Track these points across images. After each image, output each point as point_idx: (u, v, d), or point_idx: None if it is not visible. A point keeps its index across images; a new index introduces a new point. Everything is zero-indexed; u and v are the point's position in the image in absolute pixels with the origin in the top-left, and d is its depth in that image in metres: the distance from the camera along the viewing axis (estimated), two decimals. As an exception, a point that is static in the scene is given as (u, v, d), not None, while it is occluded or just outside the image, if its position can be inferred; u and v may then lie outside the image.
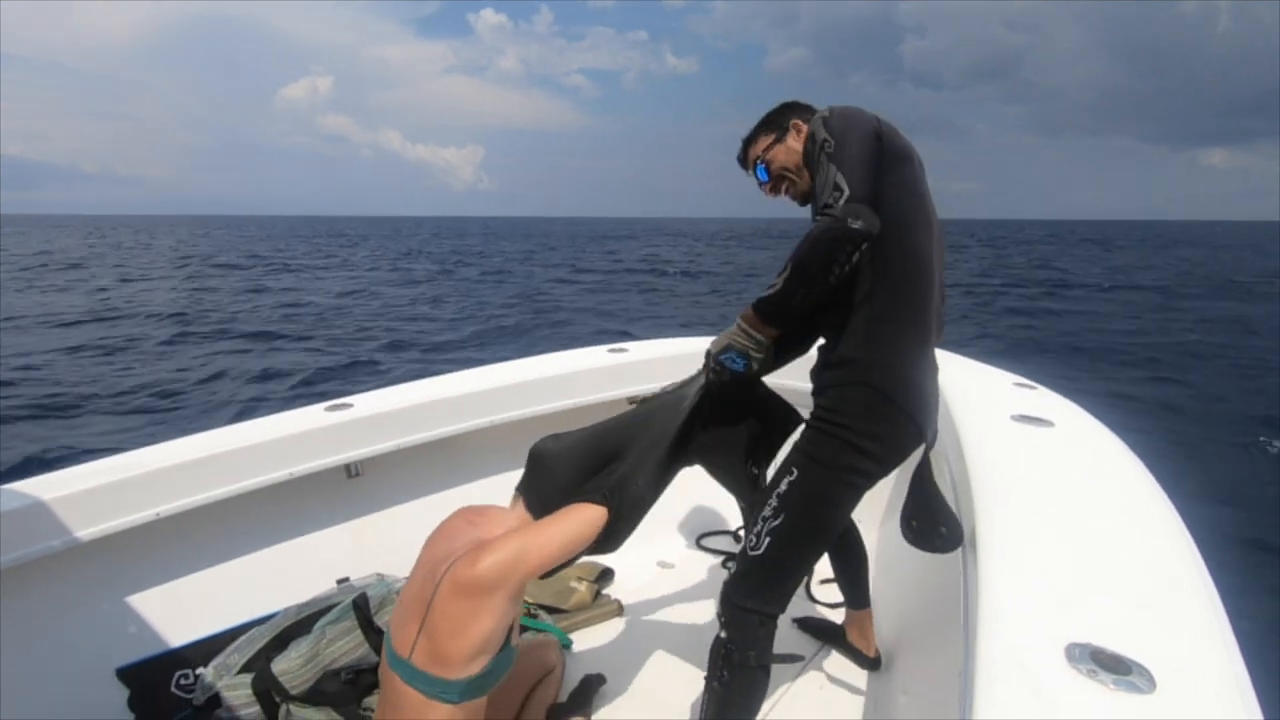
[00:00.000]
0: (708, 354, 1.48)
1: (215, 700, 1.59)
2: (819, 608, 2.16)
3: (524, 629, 1.83)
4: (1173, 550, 1.13)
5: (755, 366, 1.41)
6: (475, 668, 1.16)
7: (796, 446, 1.41)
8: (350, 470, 2.16)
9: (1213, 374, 9.54)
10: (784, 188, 1.58)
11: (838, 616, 2.10)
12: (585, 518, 1.30)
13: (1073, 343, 11.98)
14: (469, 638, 1.15)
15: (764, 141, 1.57)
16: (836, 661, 1.95)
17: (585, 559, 2.42)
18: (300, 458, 1.95)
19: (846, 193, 1.22)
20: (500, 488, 2.47)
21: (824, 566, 2.14)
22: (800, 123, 1.52)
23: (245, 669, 1.64)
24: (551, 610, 2.12)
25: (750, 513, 1.45)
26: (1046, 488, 1.36)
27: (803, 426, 1.45)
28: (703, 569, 2.49)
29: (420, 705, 1.14)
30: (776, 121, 1.57)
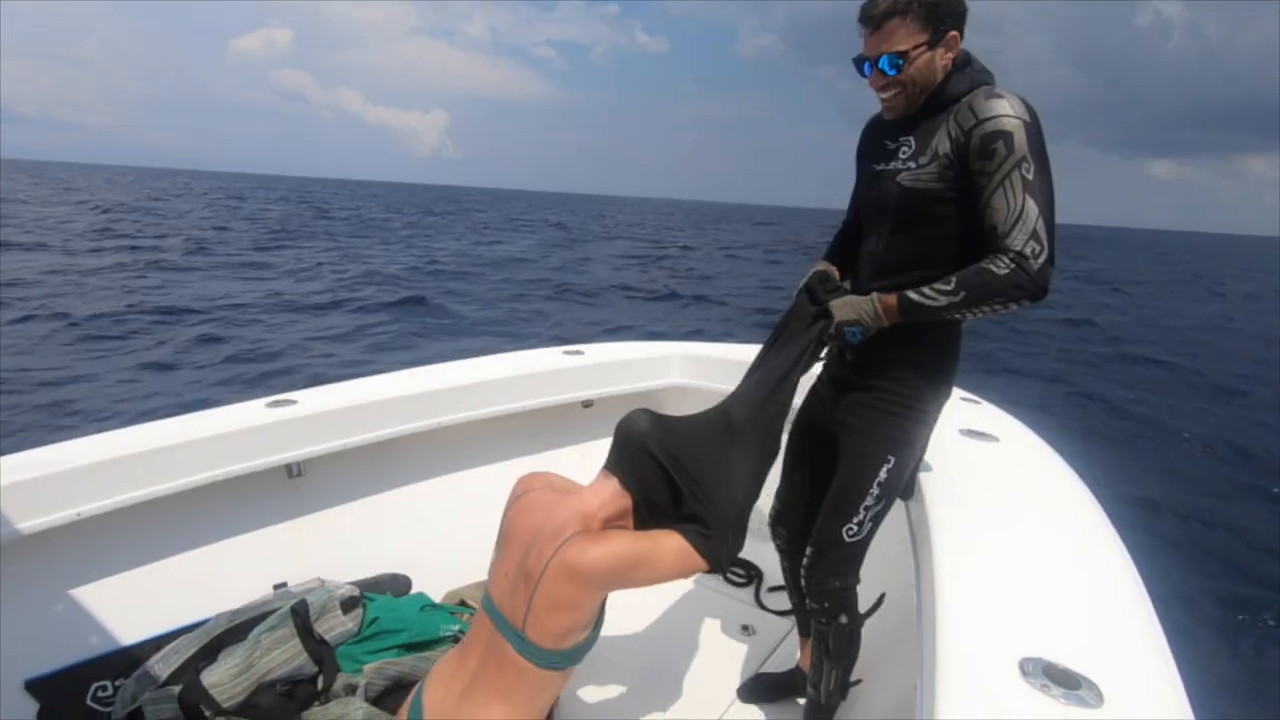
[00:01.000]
0: (828, 314, 1.40)
1: (137, 715, 1.49)
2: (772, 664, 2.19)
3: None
4: (1111, 564, 1.18)
5: (871, 335, 1.39)
6: (577, 637, 1.25)
7: (884, 435, 1.43)
8: (292, 470, 2.07)
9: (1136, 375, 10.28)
10: (893, 92, 1.35)
11: (783, 625, 2.14)
12: (691, 564, 1.31)
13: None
14: (573, 617, 1.22)
15: (916, 35, 1.28)
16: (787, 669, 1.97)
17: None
18: (238, 456, 1.85)
19: (1046, 251, 1.21)
20: (450, 489, 2.42)
21: (774, 573, 2.17)
22: (957, 35, 1.31)
23: (171, 680, 1.54)
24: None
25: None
26: (995, 503, 1.41)
27: (874, 411, 1.46)
28: None
29: (528, 670, 1.22)
30: (937, 14, 1.28)
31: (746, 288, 17.62)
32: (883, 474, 1.42)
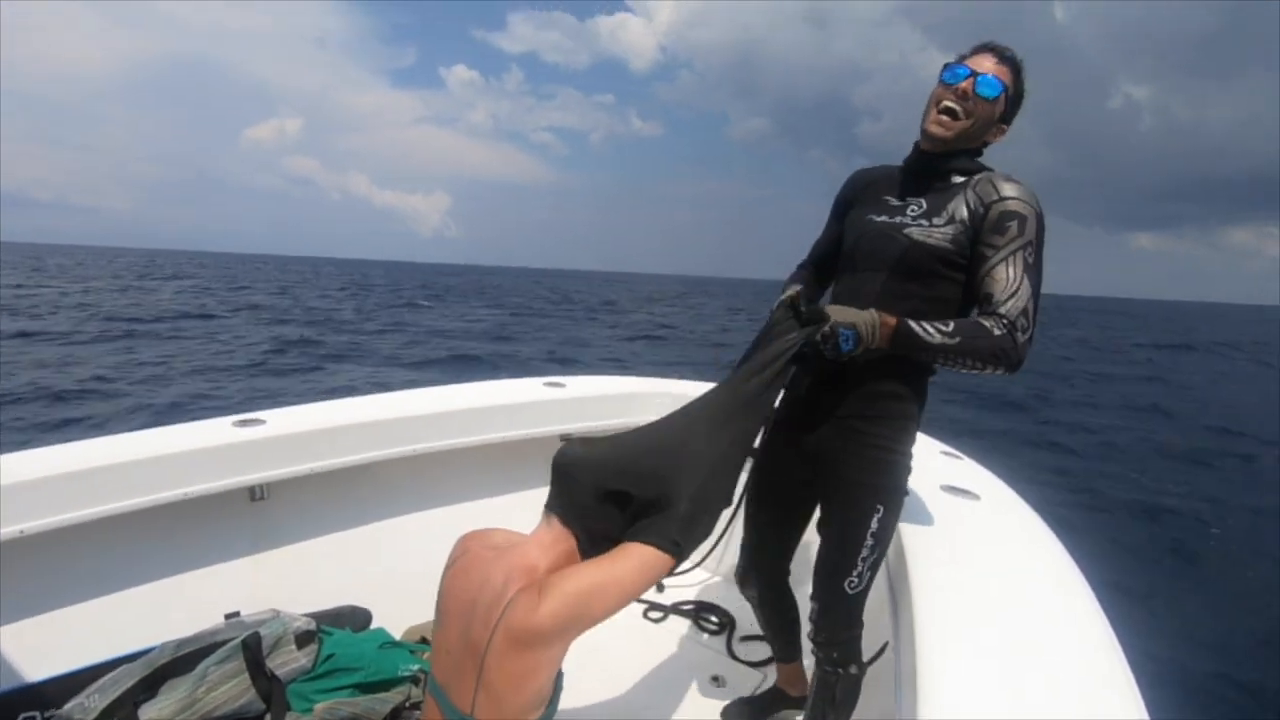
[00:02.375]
0: (823, 316, 1.37)
1: (65, 750, 1.39)
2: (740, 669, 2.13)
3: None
4: (1092, 635, 1.16)
5: (858, 353, 1.36)
6: (536, 712, 1.10)
7: (870, 484, 1.46)
8: (255, 493, 1.99)
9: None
10: (960, 116, 1.39)
11: (754, 676, 2.08)
12: (648, 563, 1.15)
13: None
14: (532, 690, 1.07)
15: (1009, 82, 1.40)
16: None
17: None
18: (199, 476, 1.78)
19: (1030, 332, 1.32)
20: (418, 521, 2.35)
21: (747, 622, 2.12)
22: (1006, 127, 1.46)
23: (106, 715, 1.44)
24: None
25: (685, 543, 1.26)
26: (977, 567, 1.39)
27: (857, 459, 1.47)
28: None
29: None
30: (1014, 101, 1.44)
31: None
32: (874, 524, 1.45)
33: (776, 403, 1.45)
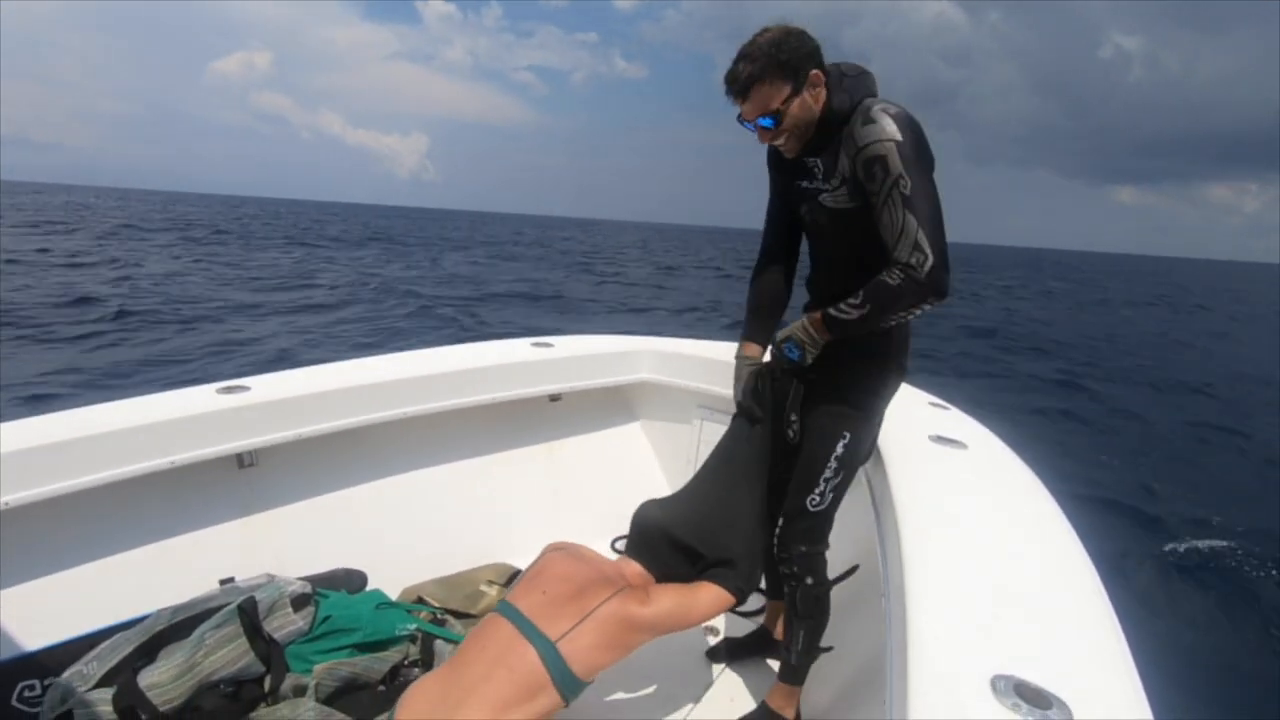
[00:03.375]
0: (774, 340, 1.61)
1: (67, 717, 1.40)
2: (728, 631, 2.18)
3: (432, 636, 1.72)
4: (1078, 578, 1.19)
5: (808, 359, 1.55)
6: (591, 677, 1.31)
7: (842, 411, 1.57)
8: (243, 460, 1.98)
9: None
10: (783, 139, 1.49)
11: (748, 628, 2.13)
12: (721, 602, 1.52)
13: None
14: (609, 657, 1.32)
15: (781, 89, 1.41)
16: (753, 670, 1.96)
17: (495, 561, 2.32)
18: (185, 444, 1.76)
19: (932, 258, 1.32)
20: (410, 483, 2.35)
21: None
22: (819, 73, 1.43)
23: (105, 681, 1.45)
24: (460, 615, 2.02)
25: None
26: (965, 514, 1.41)
27: (833, 390, 1.59)
28: None
29: (543, 685, 1.25)
30: (791, 65, 1.40)
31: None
32: (839, 449, 1.56)
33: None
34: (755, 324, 1.77)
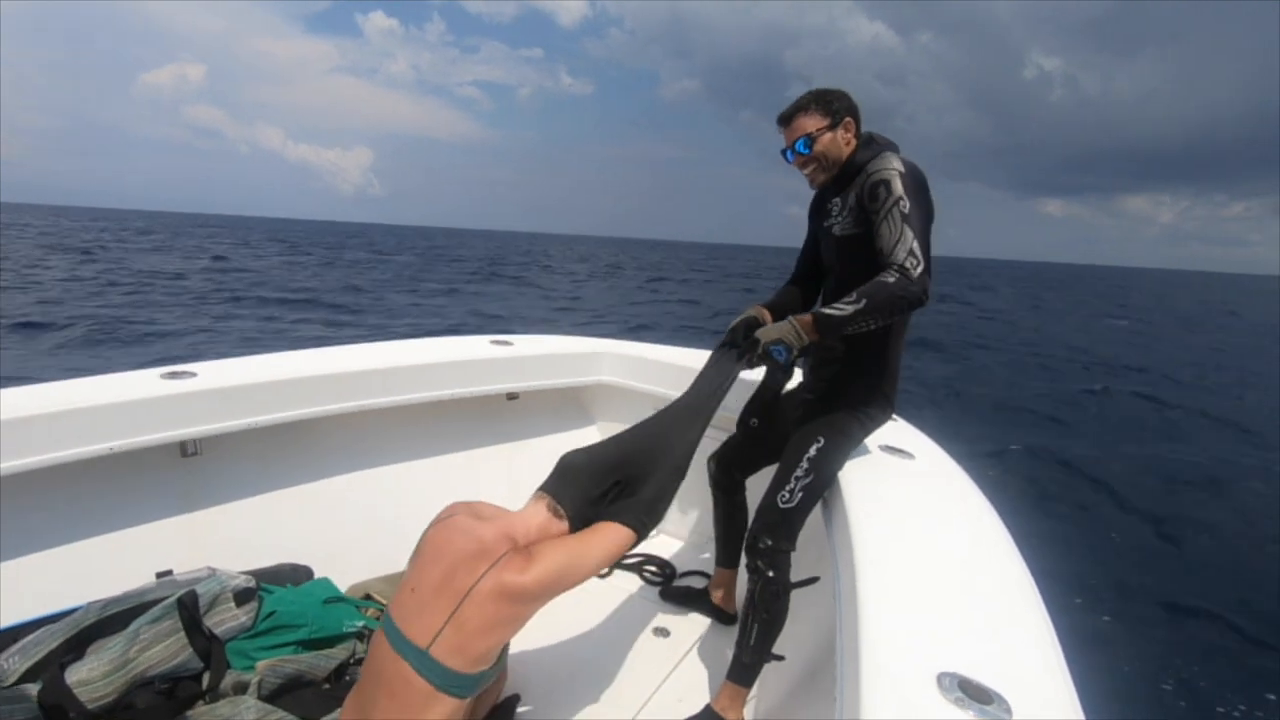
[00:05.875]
0: (756, 340, 1.68)
1: (-15, 715, 1.33)
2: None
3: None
4: (1015, 581, 1.25)
5: (794, 359, 1.66)
6: (484, 665, 1.22)
7: (823, 421, 1.73)
8: (186, 448, 1.90)
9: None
10: (811, 168, 1.74)
11: (697, 629, 2.15)
12: (619, 539, 1.41)
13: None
14: (498, 638, 1.21)
15: (818, 121, 1.70)
16: (701, 671, 1.98)
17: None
18: (125, 430, 1.68)
19: (922, 265, 1.50)
20: (361, 479, 2.30)
21: (683, 566, 2.18)
22: (852, 120, 1.71)
23: (27, 677, 1.38)
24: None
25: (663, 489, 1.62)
26: (912, 519, 1.47)
27: (816, 400, 1.81)
28: None
29: (427, 696, 1.16)
30: (831, 106, 1.70)
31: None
32: (812, 450, 1.67)
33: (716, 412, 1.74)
34: (771, 302, 1.96)
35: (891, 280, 1.49)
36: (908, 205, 1.53)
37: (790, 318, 1.63)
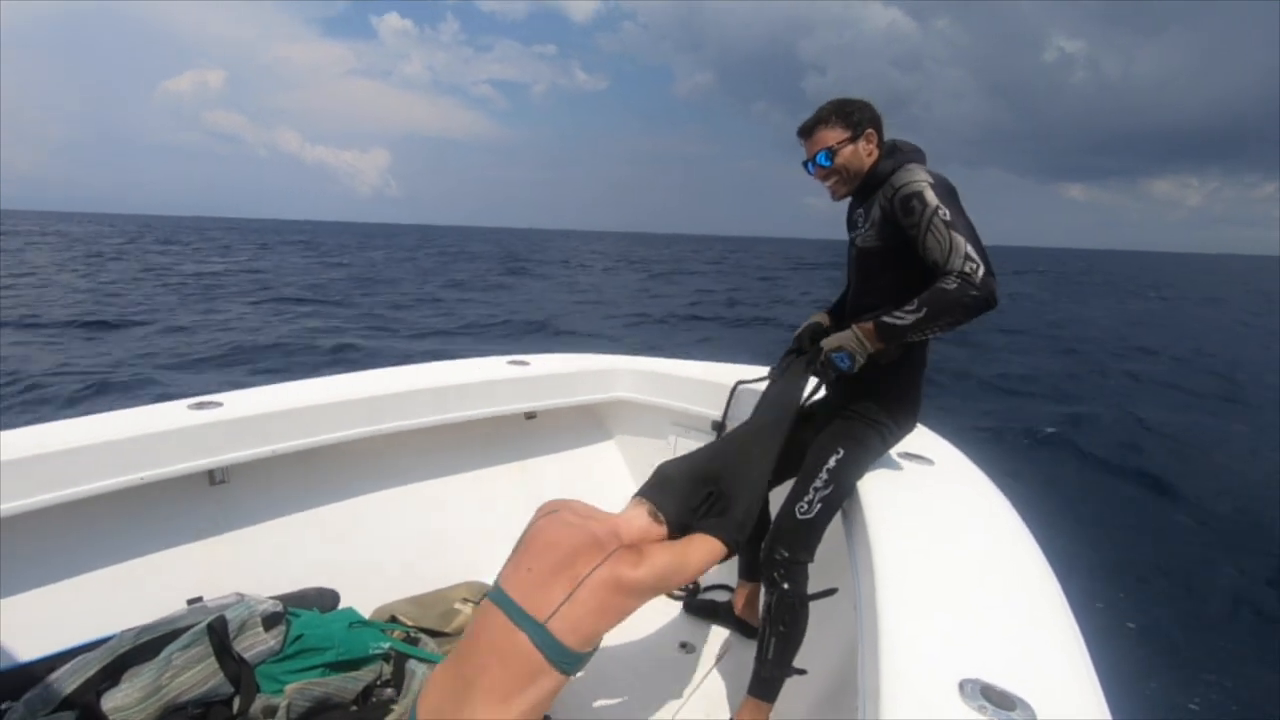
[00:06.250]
0: (819, 349, 1.69)
1: (25, 742, 1.36)
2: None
3: (405, 656, 1.70)
4: (1039, 586, 1.23)
5: (856, 366, 1.64)
6: (589, 648, 1.30)
7: (843, 432, 1.72)
8: (214, 477, 1.95)
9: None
10: (833, 180, 1.72)
11: (719, 642, 2.14)
12: (714, 551, 1.51)
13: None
14: (606, 623, 1.30)
15: (839, 134, 1.67)
16: (726, 686, 1.97)
17: (469, 579, 2.30)
18: (155, 460, 1.73)
19: (983, 267, 1.46)
20: (383, 501, 2.33)
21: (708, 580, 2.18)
22: (874, 131, 1.68)
23: (66, 704, 1.41)
24: (434, 634, 1.99)
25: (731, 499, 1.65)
26: (933, 525, 1.46)
27: (839, 412, 1.78)
28: None
29: (539, 668, 1.23)
30: (852, 118, 1.67)
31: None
32: (831, 462, 1.66)
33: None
34: (830, 308, 1.99)
35: (952, 287, 1.46)
36: (947, 213, 1.49)
37: (853, 325, 1.62)
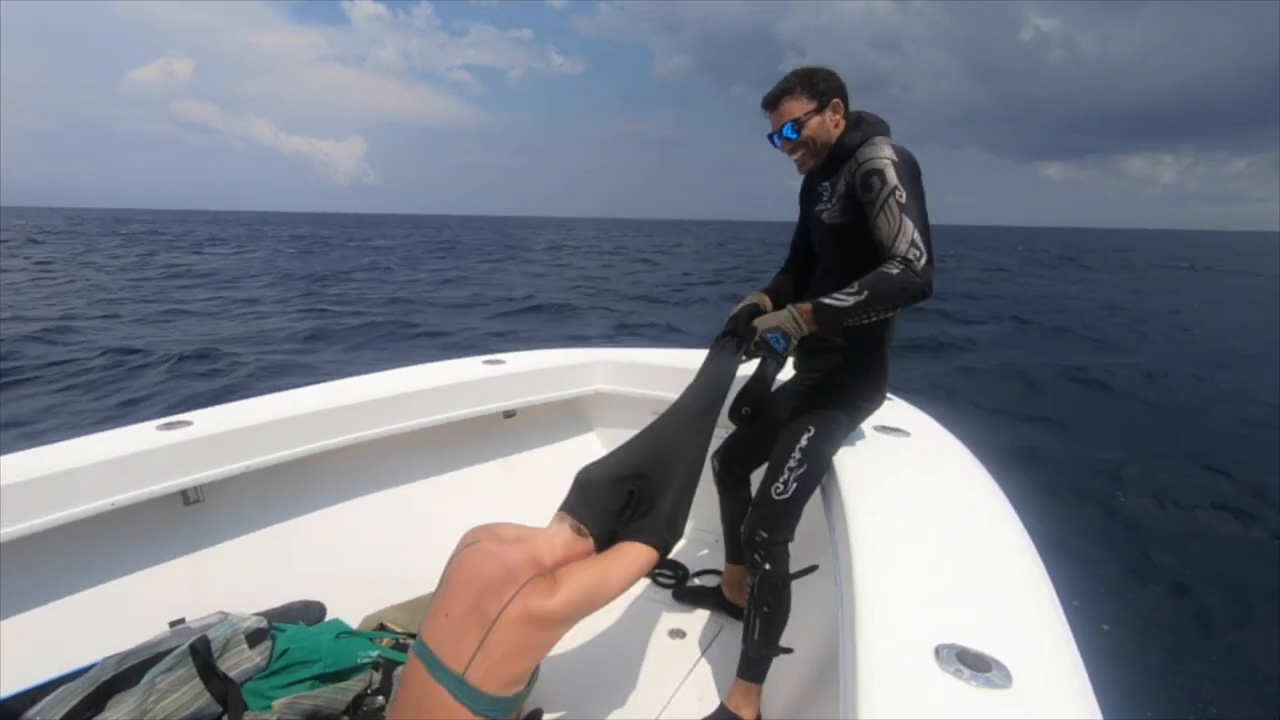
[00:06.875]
0: (753, 328, 1.64)
1: (9, 777, 1.34)
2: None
3: (395, 664, 1.70)
4: (1015, 550, 1.25)
5: (791, 349, 1.62)
6: (518, 687, 1.23)
7: (812, 410, 1.71)
8: (188, 496, 1.92)
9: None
10: (800, 153, 1.70)
11: (711, 628, 2.15)
12: (642, 558, 1.44)
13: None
14: (528, 661, 1.23)
15: (805, 105, 1.64)
16: (719, 670, 1.98)
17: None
18: (126, 484, 1.70)
19: (925, 256, 1.47)
20: (365, 509, 2.31)
21: (697, 567, 2.18)
22: (840, 101, 1.65)
23: (50, 736, 1.40)
24: (423, 639, 1.99)
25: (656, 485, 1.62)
26: (908, 495, 1.48)
27: (807, 391, 1.81)
28: None
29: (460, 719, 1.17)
30: (818, 88, 1.64)
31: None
32: (804, 440, 1.65)
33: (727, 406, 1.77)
34: (770, 288, 1.94)
35: (895, 272, 1.46)
36: (904, 195, 1.48)
37: (790, 306, 1.59)
